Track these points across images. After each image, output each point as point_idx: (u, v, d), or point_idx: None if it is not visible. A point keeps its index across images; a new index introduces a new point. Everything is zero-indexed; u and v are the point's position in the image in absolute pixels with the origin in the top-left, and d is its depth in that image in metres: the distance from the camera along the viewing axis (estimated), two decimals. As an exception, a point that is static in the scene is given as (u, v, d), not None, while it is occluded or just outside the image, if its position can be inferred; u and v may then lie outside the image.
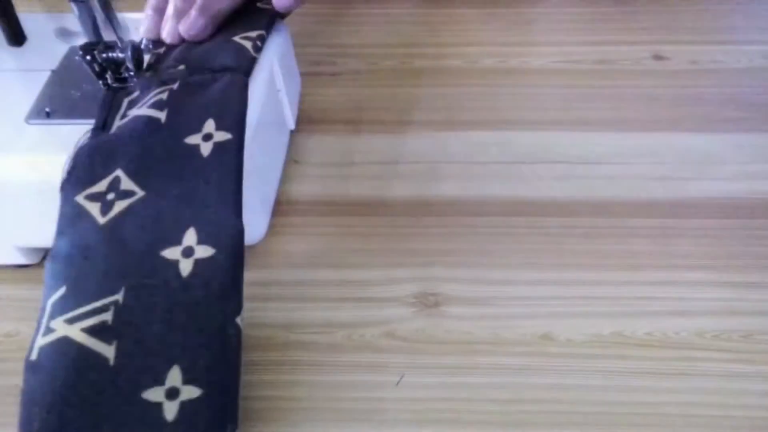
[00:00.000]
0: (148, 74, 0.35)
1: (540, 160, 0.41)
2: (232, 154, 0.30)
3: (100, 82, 0.34)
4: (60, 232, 0.29)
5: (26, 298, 0.34)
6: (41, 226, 0.32)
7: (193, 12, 0.36)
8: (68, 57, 0.37)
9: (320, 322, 0.33)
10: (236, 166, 0.30)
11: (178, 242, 0.28)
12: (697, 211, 0.37)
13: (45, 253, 0.36)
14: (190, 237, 0.28)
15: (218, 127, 0.31)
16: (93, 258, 0.28)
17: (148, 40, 0.36)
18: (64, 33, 0.37)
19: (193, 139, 0.31)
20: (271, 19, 0.38)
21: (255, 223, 0.35)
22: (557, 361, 0.31)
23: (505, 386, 0.30)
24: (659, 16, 0.52)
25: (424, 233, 0.37)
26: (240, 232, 0.29)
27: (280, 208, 0.38)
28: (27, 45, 0.38)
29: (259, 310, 0.33)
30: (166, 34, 0.37)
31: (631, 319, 0.32)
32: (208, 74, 0.33)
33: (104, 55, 0.33)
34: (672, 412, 0.29)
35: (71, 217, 0.29)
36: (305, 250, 0.36)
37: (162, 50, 0.36)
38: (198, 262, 0.27)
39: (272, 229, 0.37)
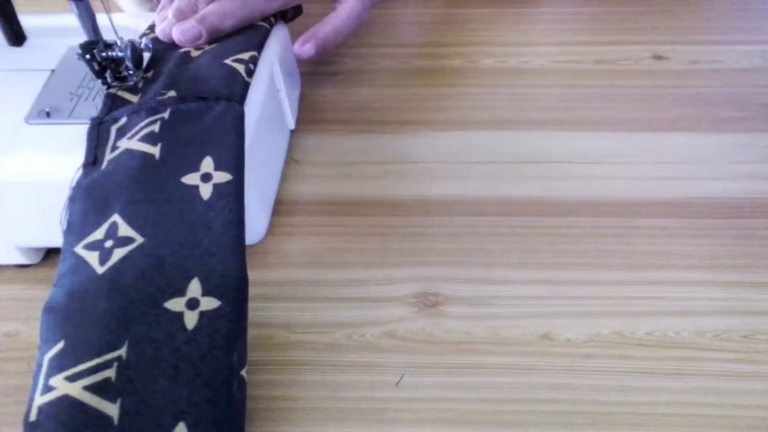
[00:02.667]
0: (136, 99, 0.33)
1: (540, 160, 0.41)
2: (233, 197, 0.29)
3: (100, 81, 0.34)
4: (57, 282, 0.27)
5: (26, 298, 0.34)
6: (41, 226, 0.33)
7: (192, 20, 0.36)
8: (68, 57, 0.37)
9: (320, 321, 0.33)
10: (238, 211, 0.29)
11: (182, 293, 0.27)
12: (697, 211, 0.37)
13: (45, 253, 0.36)
14: (194, 288, 0.27)
15: (217, 167, 0.30)
16: (92, 310, 0.26)
17: (148, 39, 0.36)
18: None
19: (191, 179, 0.30)
20: (264, 36, 0.38)
21: (255, 223, 0.35)
22: (557, 361, 0.31)
23: (504, 386, 0.30)
24: (659, 16, 0.52)
25: (424, 233, 0.37)
26: (245, 282, 0.28)
27: (280, 208, 0.38)
28: (27, 45, 0.38)
29: (259, 310, 0.33)
30: (160, 31, 0.37)
31: (631, 319, 0.32)
32: (201, 102, 0.32)
33: (103, 54, 0.33)
34: (672, 412, 0.29)
35: (69, 267, 0.28)
36: (305, 250, 0.36)
37: (150, 74, 0.35)
38: (203, 315, 0.27)
39: (272, 228, 0.37)
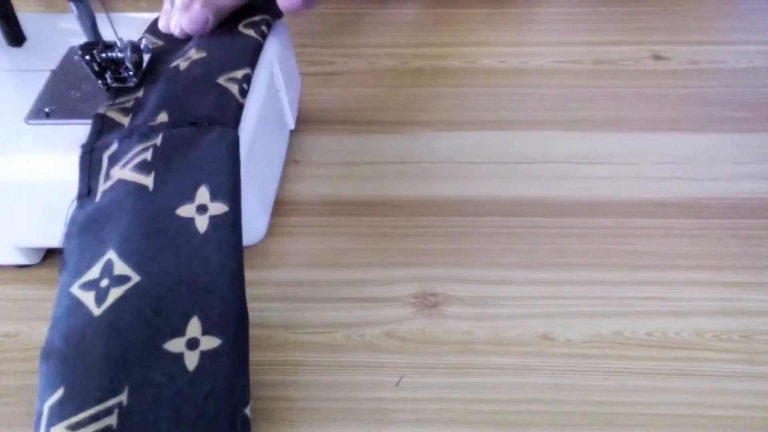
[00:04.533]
0: (126, 120, 0.32)
1: (540, 160, 0.41)
2: (230, 230, 0.28)
3: (100, 81, 0.34)
4: (53, 325, 0.27)
5: (26, 298, 0.34)
6: (41, 226, 0.33)
7: (196, 5, 0.36)
8: (68, 57, 0.37)
9: (320, 322, 0.33)
10: (236, 244, 0.28)
11: (182, 333, 0.26)
12: (697, 211, 0.37)
13: (45, 253, 0.36)
14: (194, 327, 0.26)
15: (213, 198, 0.29)
16: (90, 354, 0.26)
17: (148, 40, 0.36)
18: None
19: (187, 211, 0.29)
20: (257, 51, 0.36)
21: (255, 223, 0.35)
22: (557, 362, 0.31)
23: (504, 386, 0.30)
24: (659, 16, 0.52)
25: (424, 233, 0.37)
26: (246, 319, 0.27)
27: (280, 208, 0.38)
28: (27, 45, 0.38)
29: (258, 310, 0.33)
30: (173, 27, 0.37)
31: (631, 319, 0.32)
32: (193, 127, 0.31)
33: (103, 55, 0.33)
34: (672, 412, 0.29)
35: (65, 309, 0.27)
36: (305, 250, 0.36)
37: (141, 94, 0.34)
38: (204, 354, 0.26)
39: (272, 229, 0.37)
